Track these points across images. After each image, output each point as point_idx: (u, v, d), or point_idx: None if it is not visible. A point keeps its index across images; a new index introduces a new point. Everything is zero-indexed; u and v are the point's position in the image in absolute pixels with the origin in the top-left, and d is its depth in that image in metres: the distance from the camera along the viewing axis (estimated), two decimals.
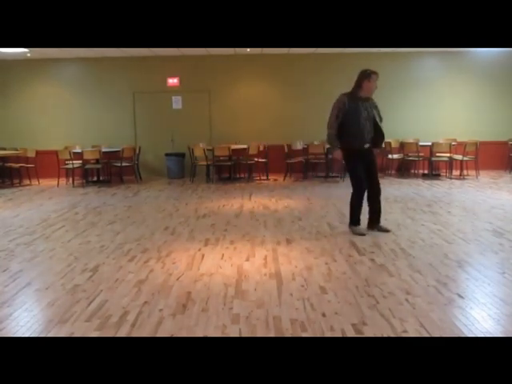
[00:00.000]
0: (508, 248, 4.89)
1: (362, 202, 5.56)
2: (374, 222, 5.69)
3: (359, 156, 5.43)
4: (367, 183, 5.51)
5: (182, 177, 11.11)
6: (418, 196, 8.19)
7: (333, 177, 10.63)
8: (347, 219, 6.37)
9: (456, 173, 10.68)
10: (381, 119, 5.53)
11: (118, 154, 10.50)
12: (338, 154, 5.48)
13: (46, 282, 4.18)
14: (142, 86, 11.40)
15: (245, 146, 10.46)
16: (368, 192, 5.57)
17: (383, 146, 5.86)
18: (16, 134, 11.44)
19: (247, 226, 6.20)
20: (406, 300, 3.59)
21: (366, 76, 5.33)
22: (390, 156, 10.82)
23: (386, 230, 5.65)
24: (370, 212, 5.69)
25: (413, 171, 11.05)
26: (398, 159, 11.02)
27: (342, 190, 8.93)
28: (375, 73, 5.35)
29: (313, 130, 10.91)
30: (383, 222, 6.14)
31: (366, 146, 5.46)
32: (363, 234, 5.51)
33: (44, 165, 10.90)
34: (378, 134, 5.49)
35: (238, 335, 3.09)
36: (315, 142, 10.70)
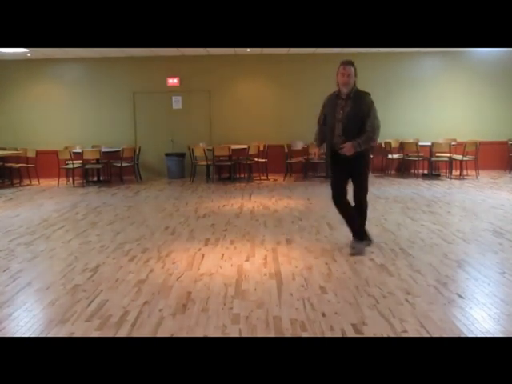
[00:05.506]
0: (508, 248, 4.89)
1: (338, 209, 4.89)
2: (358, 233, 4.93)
3: (334, 158, 4.88)
4: (344, 190, 4.81)
5: (182, 177, 11.11)
6: (418, 196, 8.18)
7: None
8: None
9: (456, 173, 10.67)
10: (369, 118, 4.62)
11: (118, 154, 10.50)
12: (313, 152, 4.95)
13: (46, 281, 4.18)
14: (142, 86, 11.40)
15: (245, 146, 10.45)
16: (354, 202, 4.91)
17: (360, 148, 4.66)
18: (16, 134, 11.43)
19: (247, 226, 6.19)
20: (406, 300, 3.59)
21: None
22: (390, 156, 10.82)
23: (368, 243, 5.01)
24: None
25: (413, 171, 11.04)
26: (398, 159, 11.02)
27: None
28: (341, 64, 4.68)
29: (313, 130, 10.77)
30: (383, 222, 6.15)
31: (338, 148, 4.77)
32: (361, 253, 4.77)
33: (44, 165, 10.89)
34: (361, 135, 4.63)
35: (238, 335, 3.09)
36: (315, 142, 10.66)
